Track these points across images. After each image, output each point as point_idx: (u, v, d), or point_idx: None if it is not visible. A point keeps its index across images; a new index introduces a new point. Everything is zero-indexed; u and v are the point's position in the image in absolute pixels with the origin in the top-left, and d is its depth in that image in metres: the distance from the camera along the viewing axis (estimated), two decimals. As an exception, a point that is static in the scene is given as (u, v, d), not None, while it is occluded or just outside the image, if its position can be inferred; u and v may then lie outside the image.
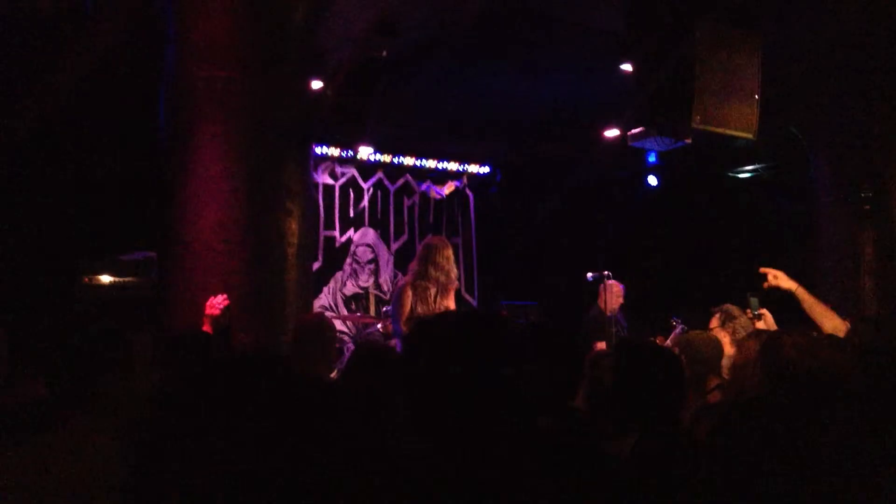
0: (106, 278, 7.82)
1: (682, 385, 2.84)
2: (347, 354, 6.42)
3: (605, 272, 6.82)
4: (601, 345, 6.59)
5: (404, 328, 5.59)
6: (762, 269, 4.44)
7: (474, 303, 9.98)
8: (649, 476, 2.42)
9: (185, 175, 4.77)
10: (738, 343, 3.47)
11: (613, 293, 6.93)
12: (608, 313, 6.84)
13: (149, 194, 5.20)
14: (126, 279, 7.72)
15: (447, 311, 2.54)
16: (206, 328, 4.42)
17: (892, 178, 6.82)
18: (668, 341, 6.47)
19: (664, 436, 2.61)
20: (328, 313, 8.89)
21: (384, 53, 5.09)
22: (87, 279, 7.05)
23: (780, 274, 4.43)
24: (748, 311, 4.70)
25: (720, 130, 5.13)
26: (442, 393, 1.73)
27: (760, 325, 4.69)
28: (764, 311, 4.70)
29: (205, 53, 4.74)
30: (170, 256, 4.83)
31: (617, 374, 2.89)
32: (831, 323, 4.12)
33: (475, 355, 1.74)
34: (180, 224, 4.76)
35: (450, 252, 5.86)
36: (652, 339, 6.60)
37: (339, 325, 8.34)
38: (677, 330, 6.59)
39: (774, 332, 3.24)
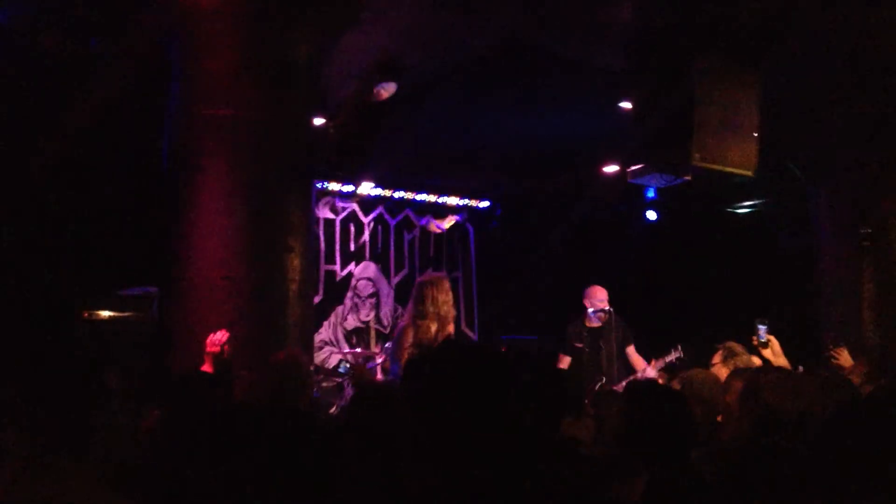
0: (106, 313, 7.80)
1: (691, 425, 2.82)
2: (348, 391, 6.40)
3: (607, 307, 6.81)
4: (562, 358, 6.58)
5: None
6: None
7: (474, 337, 9.95)
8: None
9: (187, 211, 4.80)
10: (724, 384, 3.46)
11: (595, 297, 6.89)
12: (595, 320, 6.80)
13: (150, 229, 5.22)
14: (126, 314, 7.71)
15: (445, 345, 2.49)
16: (207, 365, 4.41)
17: (891, 214, 6.84)
18: (655, 367, 6.42)
19: (675, 478, 2.59)
20: (328, 347, 8.87)
21: (389, 95, 5.13)
22: (86, 314, 7.03)
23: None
24: (755, 337, 4.71)
25: (720, 167, 5.16)
26: (444, 432, 1.72)
27: (767, 352, 4.70)
28: (771, 337, 4.71)
29: (209, 91, 4.79)
30: (171, 292, 4.84)
31: (625, 415, 2.87)
32: None
33: (475, 393, 1.73)
34: (182, 260, 4.77)
35: (446, 285, 5.84)
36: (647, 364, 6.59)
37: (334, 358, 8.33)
38: (670, 357, 6.49)
39: (753, 374, 3.22)
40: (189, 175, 4.79)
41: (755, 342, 4.70)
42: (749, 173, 5.32)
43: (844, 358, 5.01)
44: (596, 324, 6.84)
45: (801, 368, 5.43)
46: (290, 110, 4.92)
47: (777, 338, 4.87)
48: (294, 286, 4.80)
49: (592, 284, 6.99)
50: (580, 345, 6.77)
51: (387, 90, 5.10)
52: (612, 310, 6.76)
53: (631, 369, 6.73)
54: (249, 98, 4.77)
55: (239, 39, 4.85)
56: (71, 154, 6.03)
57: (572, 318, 7.00)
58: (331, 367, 7.93)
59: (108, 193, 6.82)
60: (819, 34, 5.74)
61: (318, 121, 5.44)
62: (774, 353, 4.68)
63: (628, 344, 6.82)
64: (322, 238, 8.93)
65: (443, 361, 1.80)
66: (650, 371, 6.46)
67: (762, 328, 4.70)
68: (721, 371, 4.46)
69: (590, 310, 6.86)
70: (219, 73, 4.78)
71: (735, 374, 3.40)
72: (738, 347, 4.73)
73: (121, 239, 6.80)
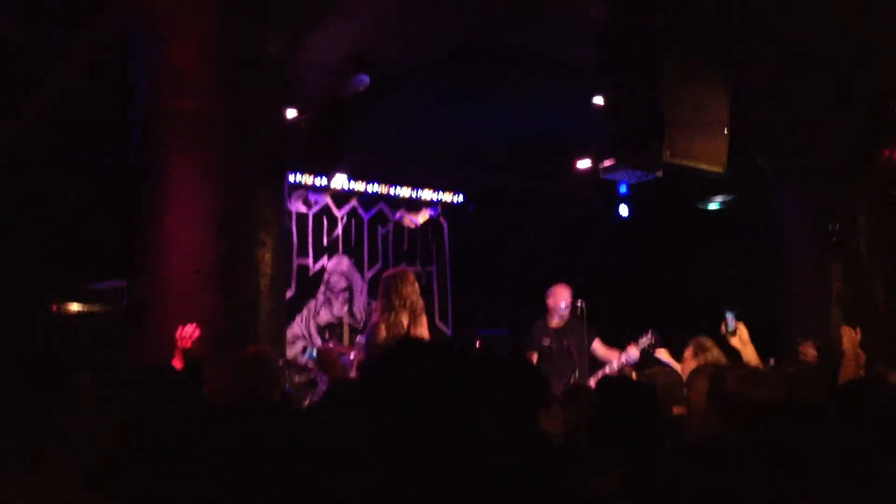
0: (75, 307, 7.71)
1: (662, 419, 2.86)
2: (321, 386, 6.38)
3: (579, 301, 6.84)
4: (532, 356, 6.55)
5: None
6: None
7: (448, 331, 9.96)
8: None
9: (156, 204, 4.75)
10: (687, 381, 3.50)
11: (560, 296, 6.91)
12: (557, 320, 6.82)
13: (120, 222, 5.16)
14: (96, 308, 7.62)
15: (398, 345, 2.46)
16: (177, 360, 4.37)
17: (858, 211, 6.95)
18: (629, 353, 6.44)
19: (649, 472, 2.62)
20: (300, 342, 8.83)
21: (361, 89, 5.12)
22: (55, 308, 6.96)
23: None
24: (723, 326, 4.77)
25: (690, 164, 5.22)
26: (401, 432, 1.71)
27: (735, 340, 4.77)
28: (739, 324, 4.77)
29: (177, 84, 4.74)
30: (140, 286, 4.80)
31: (598, 410, 2.90)
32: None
33: (429, 393, 1.72)
34: (151, 253, 4.73)
35: (410, 277, 5.86)
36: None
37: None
38: (643, 341, 6.51)
39: (719, 368, 3.27)
40: (158, 168, 4.74)
41: (723, 330, 4.76)
42: (719, 170, 5.38)
43: (811, 353, 5.08)
44: (560, 323, 6.86)
45: (771, 362, 5.51)
46: (260, 103, 4.88)
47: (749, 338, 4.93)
48: (265, 280, 4.78)
49: (556, 284, 7.00)
50: (547, 343, 6.78)
51: (359, 84, 5.09)
52: (582, 305, 6.77)
53: (601, 363, 6.76)
54: (218, 91, 4.74)
55: (208, 32, 4.81)
56: (38, 145, 5.95)
57: (537, 317, 6.98)
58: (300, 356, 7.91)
59: (77, 185, 6.73)
60: (787, 34, 5.80)
61: (290, 114, 5.41)
62: (742, 342, 4.74)
63: (593, 338, 6.83)
64: (294, 232, 8.87)
65: (395, 362, 1.79)
66: (616, 364, 6.49)
67: (730, 316, 4.76)
68: (692, 365, 4.51)
69: (562, 304, 6.85)
70: (187, 65, 4.74)
71: (698, 371, 3.43)
72: (707, 342, 4.79)
73: (91, 231, 6.72)
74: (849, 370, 4.21)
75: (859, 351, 4.25)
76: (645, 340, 6.42)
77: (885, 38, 5.88)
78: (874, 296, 6.80)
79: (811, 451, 2.40)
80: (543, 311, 6.96)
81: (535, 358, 6.59)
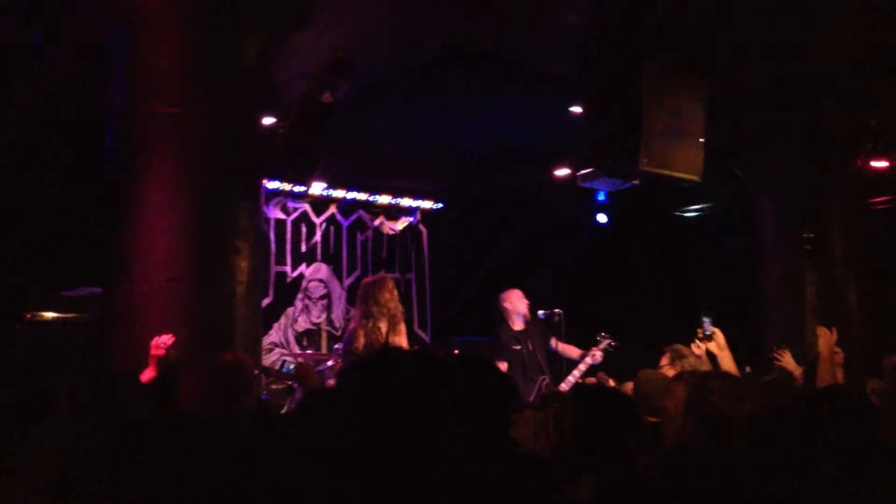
0: (50, 314, 7.61)
1: (639, 428, 2.86)
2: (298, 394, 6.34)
3: (557, 309, 6.86)
4: (502, 365, 6.56)
5: None
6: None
7: (427, 339, 9.95)
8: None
9: (131, 211, 4.70)
10: (666, 388, 3.51)
11: (516, 299, 6.92)
12: (521, 323, 6.83)
13: (95, 229, 5.11)
14: (71, 316, 7.53)
15: (378, 354, 2.46)
16: (151, 369, 4.33)
17: (833, 219, 7.03)
18: (593, 359, 6.47)
19: (623, 480, 2.62)
20: (279, 350, 8.78)
21: (340, 95, 5.10)
22: (29, 315, 6.86)
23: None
24: (700, 330, 4.80)
25: (667, 172, 5.25)
26: (377, 442, 1.69)
27: (712, 345, 4.79)
28: (716, 330, 4.80)
29: (154, 89, 4.70)
30: (115, 294, 4.74)
31: (574, 417, 2.90)
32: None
33: (407, 404, 1.70)
34: (126, 261, 4.69)
35: (389, 284, 5.87)
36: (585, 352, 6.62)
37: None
38: (603, 345, 6.57)
39: (698, 378, 3.28)
40: (133, 174, 4.70)
41: (700, 335, 4.79)
42: (695, 178, 5.42)
43: (787, 360, 5.12)
44: (522, 325, 6.88)
45: (748, 369, 5.55)
46: (237, 110, 4.85)
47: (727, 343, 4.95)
48: (241, 288, 4.74)
49: (508, 289, 7.03)
50: (518, 347, 6.79)
51: (337, 91, 5.08)
52: (559, 313, 6.78)
53: (566, 367, 6.75)
54: (195, 97, 4.70)
55: (186, 37, 4.77)
56: (11, 150, 5.88)
57: (499, 326, 6.99)
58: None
59: (52, 191, 6.66)
60: (762, 44, 5.86)
61: (268, 120, 5.39)
62: (719, 346, 4.77)
63: (549, 338, 6.85)
64: (273, 239, 8.84)
65: (374, 371, 1.78)
66: (582, 366, 6.53)
67: (707, 321, 4.79)
68: (669, 373, 4.53)
69: (521, 306, 6.88)
70: (164, 71, 4.70)
71: (676, 379, 3.44)
72: (684, 350, 4.82)
73: (65, 238, 6.65)
74: (825, 371, 4.23)
75: (836, 350, 4.27)
76: (605, 343, 6.48)
77: (859, 47, 5.95)
78: (848, 302, 6.88)
79: (787, 459, 2.41)
80: (503, 317, 6.97)
81: (504, 366, 6.58)
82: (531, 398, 6.27)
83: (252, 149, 4.93)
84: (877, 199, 7.80)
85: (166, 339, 4.39)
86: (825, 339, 4.39)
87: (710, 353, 4.80)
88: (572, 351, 6.76)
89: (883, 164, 7.08)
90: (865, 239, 7.21)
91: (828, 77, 6.43)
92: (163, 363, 4.35)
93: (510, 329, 6.90)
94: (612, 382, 6.34)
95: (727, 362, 4.73)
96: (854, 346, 5.64)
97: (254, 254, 4.89)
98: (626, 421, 2.83)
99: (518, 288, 7.14)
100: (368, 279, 6.15)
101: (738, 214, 7.82)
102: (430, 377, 1.72)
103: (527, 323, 6.91)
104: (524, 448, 2.97)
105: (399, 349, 1.89)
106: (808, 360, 4.85)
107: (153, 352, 4.36)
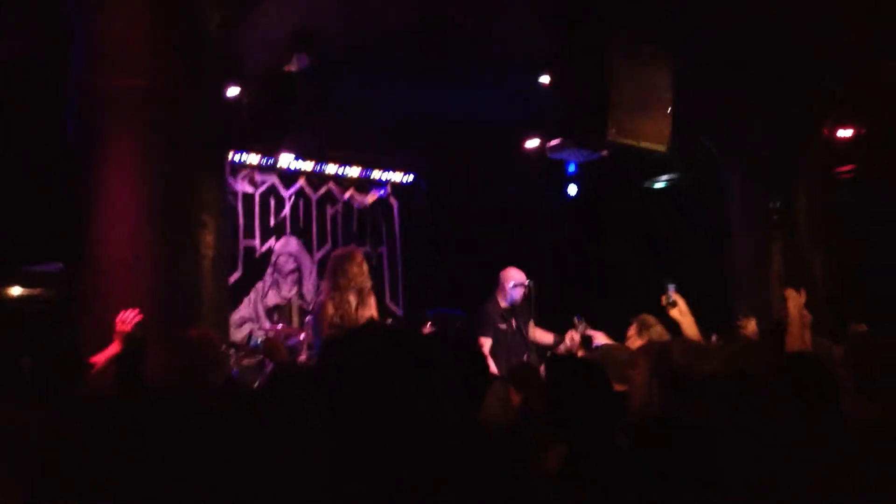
0: (16, 290, 7.51)
1: (612, 399, 2.87)
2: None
3: (527, 280, 6.84)
4: (485, 340, 6.48)
5: None
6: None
7: (399, 312, 9.96)
8: (582, 490, 2.45)
9: (94, 186, 4.61)
10: (629, 360, 3.54)
11: (514, 278, 6.87)
12: (514, 300, 6.79)
13: (59, 203, 5.02)
14: (36, 291, 7.44)
15: (366, 327, 2.47)
16: (116, 345, 4.29)
17: (800, 189, 7.11)
18: (568, 341, 6.46)
19: (594, 451, 2.64)
20: (248, 324, 8.73)
21: (304, 66, 5.03)
22: (-7, 292, 6.77)
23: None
24: (664, 297, 4.85)
25: (634, 143, 5.27)
26: (357, 415, 1.69)
27: (675, 311, 4.84)
28: (678, 297, 4.85)
29: (114, 61, 4.59)
30: (79, 270, 4.67)
31: (547, 390, 2.91)
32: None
33: (393, 377, 1.70)
34: (89, 237, 4.61)
35: (359, 258, 5.80)
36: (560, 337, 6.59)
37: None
38: (580, 329, 6.54)
39: (662, 343, 3.31)
40: (95, 148, 4.61)
41: (664, 302, 4.84)
42: (662, 148, 5.45)
43: (751, 328, 5.19)
44: (508, 304, 6.83)
45: (714, 339, 5.61)
46: (201, 80, 4.76)
47: (689, 310, 5.01)
48: (207, 262, 4.68)
49: (508, 266, 6.95)
50: (504, 326, 6.77)
51: (301, 62, 5.01)
52: (531, 285, 6.76)
53: (544, 347, 6.73)
54: (157, 67, 4.59)
55: (147, 5, 4.66)
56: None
57: (487, 300, 6.92)
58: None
59: (12, 163, 6.53)
60: (729, 15, 5.87)
61: (233, 90, 5.30)
62: (682, 312, 4.83)
63: (530, 320, 6.82)
64: (241, 212, 8.73)
65: (363, 343, 1.77)
66: (561, 349, 6.51)
67: (671, 287, 4.84)
68: (636, 343, 4.57)
69: (517, 286, 6.78)
70: (125, 41, 4.58)
71: (641, 350, 3.47)
72: (651, 319, 4.86)
73: (30, 212, 6.54)
74: (794, 333, 4.26)
75: (805, 312, 4.31)
76: (581, 326, 6.45)
77: (823, 19, 5.98)
78: (814, 273, 6.97)
79: (758, 427, 2.45)
80: (493, 292, 6.91)
81: (489, 343, 6.55)
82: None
83: (216, 120, 4.85)
84: (842, 168, 7.90)
85: (132, 315, 4.34)
86: (794, 300, 4.42)
87: (673, 321, 4.85)
88: (546, 337, 6.71)
89: (848, 132, 7.15)
90: (832, 209, 7.30)
91: (794, 47, 6.46)
92: (128, 339, 4.30)
93: (498, 306, 6.83)
94: (581, 353, 6.38)
95: (690, 328, 4.77)
96: (819, 314, 5.71)
97: (220, 227, 4.83)
98: (597, 391, 2.84)
99: (501, 260, 7.03)
100: (337, 252, 6.10)
101: (706, 185, 7.87)
102: (407, 352, 1.72)
103: (519, 301, 6.85)
104: (494, 421, 2.99)
105: (379, 324, 1.88)
106: (775, 323, 4.89)
107: (118, 328, 4.30)
